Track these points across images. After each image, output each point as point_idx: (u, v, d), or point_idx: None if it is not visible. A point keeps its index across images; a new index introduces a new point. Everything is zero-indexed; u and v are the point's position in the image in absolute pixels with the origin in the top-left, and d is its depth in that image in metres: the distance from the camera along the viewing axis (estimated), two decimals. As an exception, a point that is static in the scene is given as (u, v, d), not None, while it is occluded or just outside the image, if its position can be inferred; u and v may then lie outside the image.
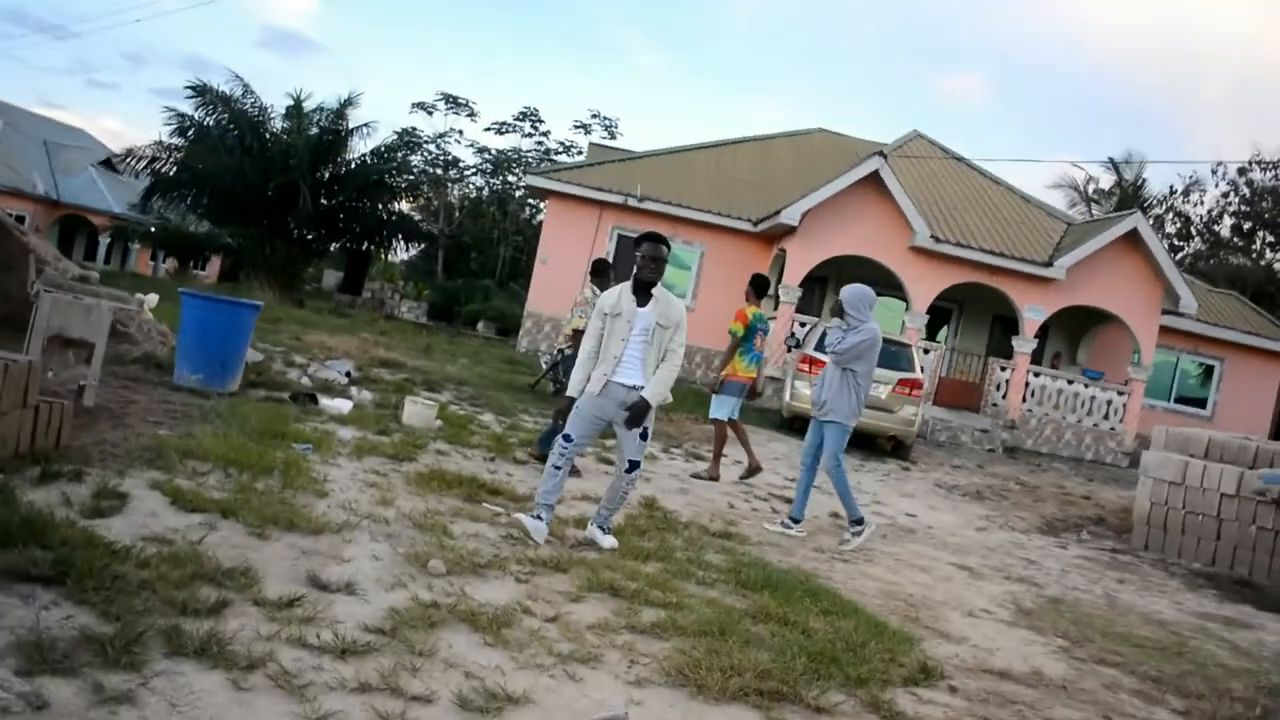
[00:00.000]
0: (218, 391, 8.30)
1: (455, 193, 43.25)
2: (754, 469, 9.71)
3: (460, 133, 42.84)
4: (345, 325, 18.48)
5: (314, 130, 23.86)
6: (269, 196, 22.56)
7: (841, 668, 4.32)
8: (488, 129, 42.61)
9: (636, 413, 5.77)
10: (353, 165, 25.15)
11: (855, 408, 7.62)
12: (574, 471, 7.62)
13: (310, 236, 23.77)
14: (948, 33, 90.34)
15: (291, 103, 24.25)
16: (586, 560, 5.42)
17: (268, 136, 24.00)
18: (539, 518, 5.74)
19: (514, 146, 41.10)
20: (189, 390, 8.21)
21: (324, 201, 24.47)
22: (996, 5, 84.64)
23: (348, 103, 24.55)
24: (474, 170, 41.66)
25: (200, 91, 23.60)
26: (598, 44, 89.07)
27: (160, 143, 23.74)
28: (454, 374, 13.85)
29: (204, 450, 5.96)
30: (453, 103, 40.90)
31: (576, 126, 41.05)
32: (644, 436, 5.87)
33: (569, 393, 5.98)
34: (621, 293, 5.95)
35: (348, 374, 11.05)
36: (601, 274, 9.38)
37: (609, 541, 5.87)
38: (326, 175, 24.21)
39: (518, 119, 41.68)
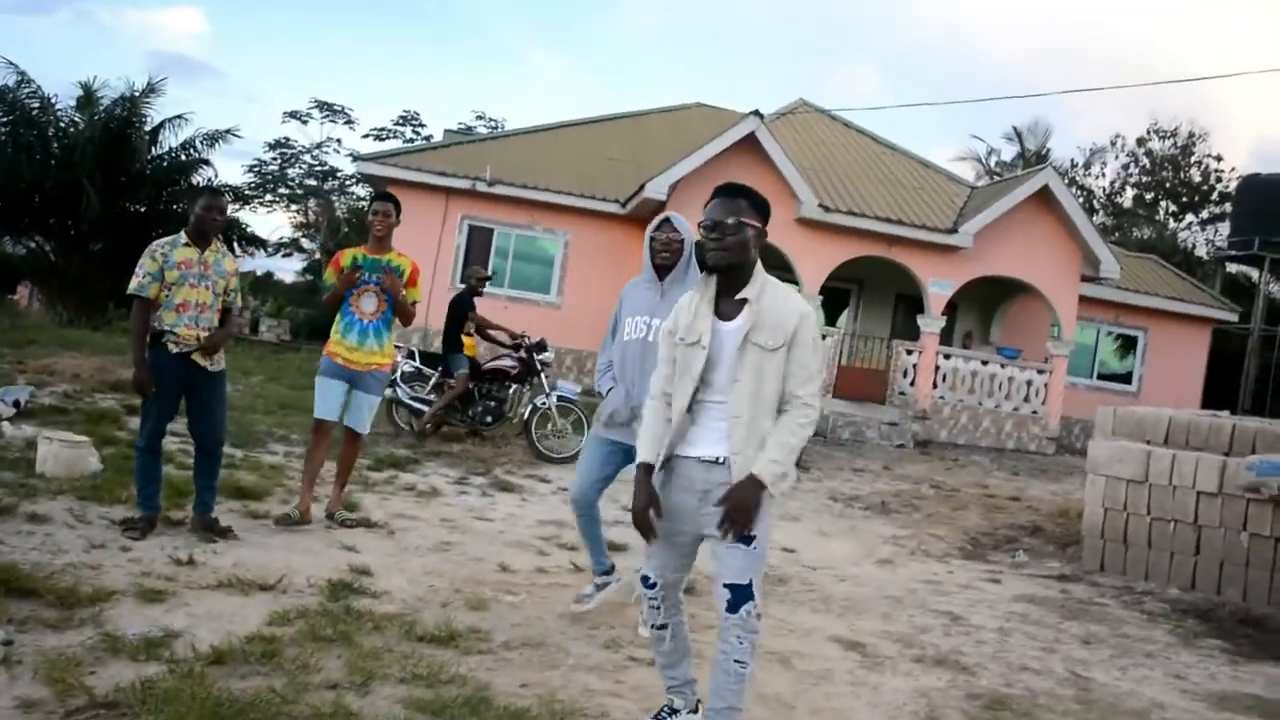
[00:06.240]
0: None
1: (341, 205, 39.56)
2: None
3: (339, 141, 39.20)
4: (125, 345, 15.21)
5: (105, 120, 20.20)
6: (50, 199, 19.00)
7: None
8: (365, 136, 39.33)
9: (735, 507, 3.03)
10: (163, 163, 21.55)
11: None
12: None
13: (107, 247, 20.02)
14: (835, 22, 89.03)
15: (82, 93, 20.64)
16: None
17: (51, 132, 20.36)
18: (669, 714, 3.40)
19: None
20: None
21: (128, 205, 20.88)
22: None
23: (149, 89, 20.88)
24: (355, 180, 38.10)
25: None
26: (487, 46, 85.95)
27: None
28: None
29: None
30: (328, 110, 37.62)
31: (458, 130, 37.89)
32: (748, 544, 3.11)
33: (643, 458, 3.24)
34: (695, 298, 3.29)
35: (16, 403, 8.00)
36: None
37: None
38: (124, 177, 20.61)
39: (398, 124, 38.67)
